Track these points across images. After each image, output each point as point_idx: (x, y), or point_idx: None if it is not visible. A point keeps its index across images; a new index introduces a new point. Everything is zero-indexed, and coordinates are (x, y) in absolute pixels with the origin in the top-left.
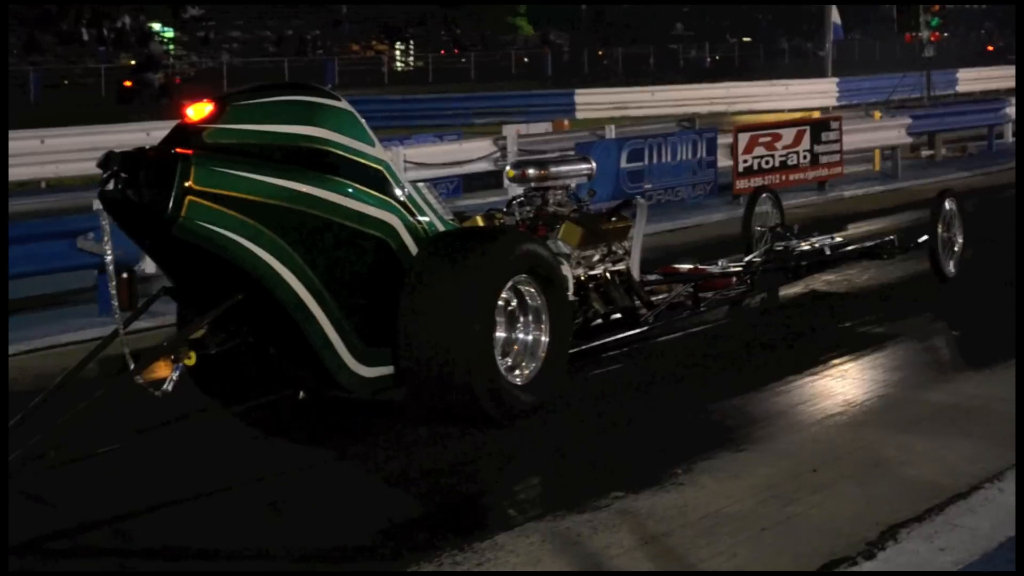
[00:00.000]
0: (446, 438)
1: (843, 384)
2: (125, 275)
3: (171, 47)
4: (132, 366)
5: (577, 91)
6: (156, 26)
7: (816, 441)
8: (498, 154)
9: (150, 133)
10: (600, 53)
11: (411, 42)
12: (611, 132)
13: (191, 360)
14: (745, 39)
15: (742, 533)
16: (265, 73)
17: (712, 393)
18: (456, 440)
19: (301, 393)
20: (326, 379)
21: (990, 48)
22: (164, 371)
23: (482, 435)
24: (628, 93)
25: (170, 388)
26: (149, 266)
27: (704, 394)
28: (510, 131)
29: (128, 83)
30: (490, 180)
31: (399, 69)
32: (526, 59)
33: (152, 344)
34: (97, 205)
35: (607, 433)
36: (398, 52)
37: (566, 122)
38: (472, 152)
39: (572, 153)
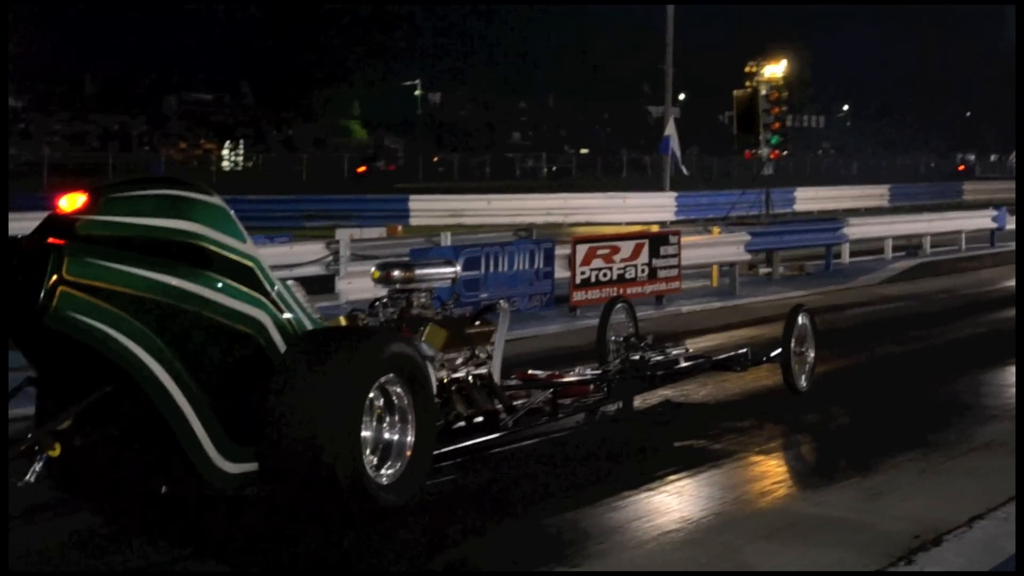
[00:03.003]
0: (300, 537)
1: (680, 500)
2: None
3: None
4: None
5: (411, 197)
6: None
7: (651, 558)
8: (330, 258)
9: None
10: (436, 159)
11: (241, 141)
12: (447, 239)
13: (55, 451)
14: (583, 151)
15: None
16: (89, 168)
17: (551, 506)
18: (310, 541)
19: (164, 488)
20: (190, 474)
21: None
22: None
23: (334, 535)
24: (464, 201)
25: (32, 479)
26: None
27: (543, 506)
28: (343, 235)
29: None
30: (322, 285)
31: (227, 168)
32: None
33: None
34: None
35: (443, 543)
36: (226, 151)
37: (400, 228)
38: (303, 255)
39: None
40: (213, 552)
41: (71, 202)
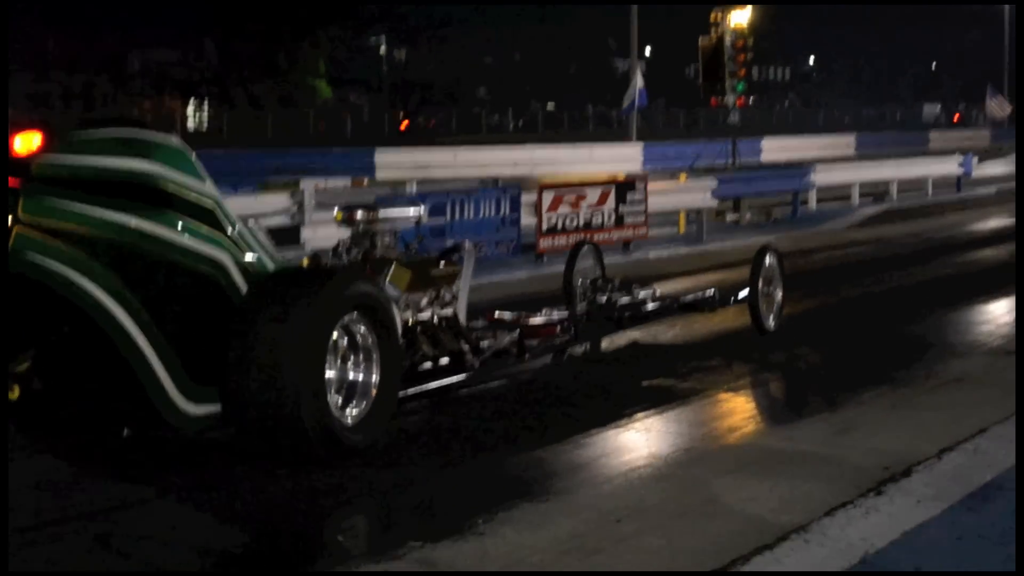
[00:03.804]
0: (265, 477)
1: (648, 437)
2: None
3: None
4: None
5: (377, 150)
6: None
7: (620, 493)
8: (295, 209)
9: None
10: (401, 115)
11: (205, 100)
12: (413, 187)
13: (14, 394)
14: (549, 105)
15: None
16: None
17: (517, 444)
18: (275, 480)
19: (126, 430)
20: (152, 416)
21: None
22: None
23: (299, 475)
24: (430, 154)
25: None
26: None
27: (509, 445)
28: (308, 185)
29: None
30: (287, 236)
31: (192, 128)
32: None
33: None
34: None
35: (410, 482)
36: (191, 109)
37: (365, 181)
38: (268, 205)
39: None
40: (177, 494)
41: (26, 143)
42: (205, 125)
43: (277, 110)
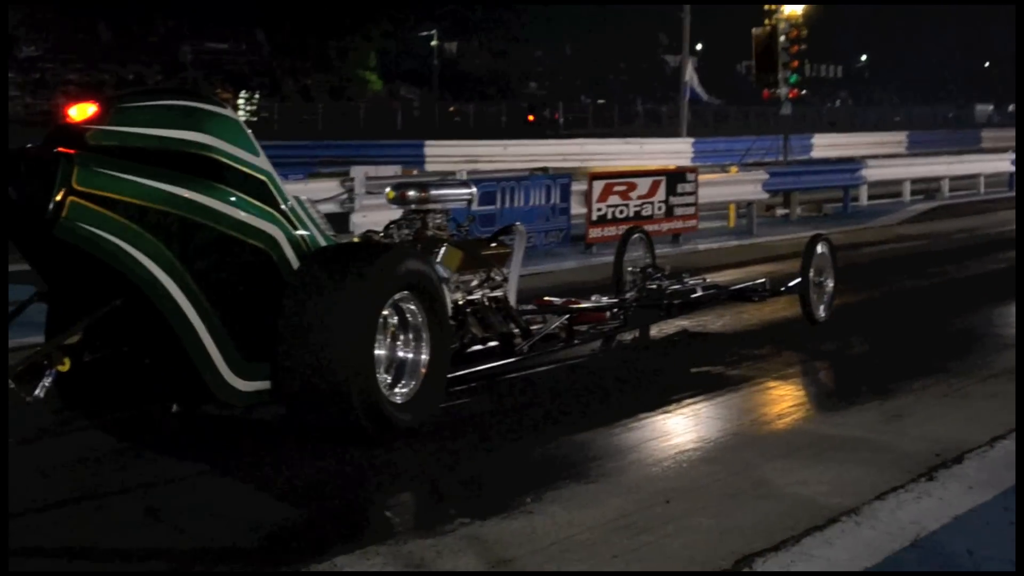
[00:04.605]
0: (314, 454)
1: (697, 421)
2: None
3: None
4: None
5: (427, 142)
6: None
7: (669, 475)
8: (345, 195)
9: None
10: (452, 109)
11: (256, 92)
12: (463, 174)
13: (65, 366)
14: (599, 101)
15: (591, 560)
16: None
17: (567, 427)
18: (322, 457)
19: (175, 405)
20: (202, 391)
21: None
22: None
23: (347, 453)
24: (479, 147)
25: (41, 394)
26: None
27: (558, 427)
28: (358, 172)
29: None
30: (337, 225)
31: (243, 118)
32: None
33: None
34: None
35: (458, 460)
36: (242, 101)
37: (415, 171)
38: (318, 192)
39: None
40: (228, 469)
41: (81, 112)
42: (257, 117)
43: (328, 102)
